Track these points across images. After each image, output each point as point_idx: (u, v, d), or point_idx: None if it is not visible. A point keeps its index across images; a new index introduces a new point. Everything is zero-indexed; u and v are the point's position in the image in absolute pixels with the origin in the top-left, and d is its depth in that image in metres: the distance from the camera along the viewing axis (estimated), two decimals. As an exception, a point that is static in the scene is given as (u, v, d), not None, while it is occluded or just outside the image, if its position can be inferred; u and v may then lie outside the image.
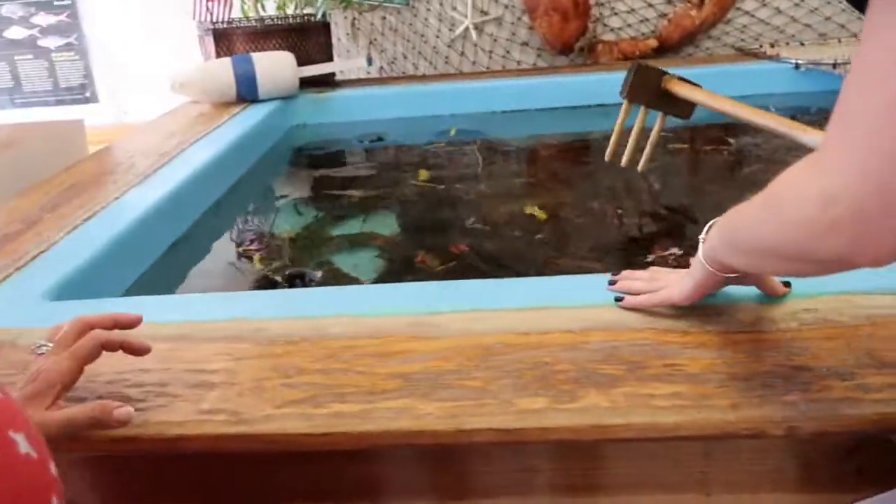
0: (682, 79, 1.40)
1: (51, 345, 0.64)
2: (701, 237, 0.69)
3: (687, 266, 0.74)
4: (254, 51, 2.12)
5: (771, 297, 0.76)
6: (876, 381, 0.63)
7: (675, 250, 1.19)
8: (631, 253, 1.23)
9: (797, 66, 2.05)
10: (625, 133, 1.42)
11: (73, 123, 1.85)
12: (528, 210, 1.43)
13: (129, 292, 1.08)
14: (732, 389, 0.63)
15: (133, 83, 2.78)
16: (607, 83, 2.15)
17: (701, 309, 0.74)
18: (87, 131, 1.92)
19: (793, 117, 1.92)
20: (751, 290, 0.77)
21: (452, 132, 2.00)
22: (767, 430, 0.60)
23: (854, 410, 0.60)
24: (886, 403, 0.60)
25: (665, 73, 1.40)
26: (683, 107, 1.40)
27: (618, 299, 0.78)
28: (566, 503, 0.67)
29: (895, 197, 0.43)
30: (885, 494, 0.64)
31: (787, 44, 2.36)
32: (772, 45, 2.33)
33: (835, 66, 1.93)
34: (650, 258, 1.17)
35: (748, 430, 0.60)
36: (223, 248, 1.34)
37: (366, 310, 0.80)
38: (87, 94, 2.88)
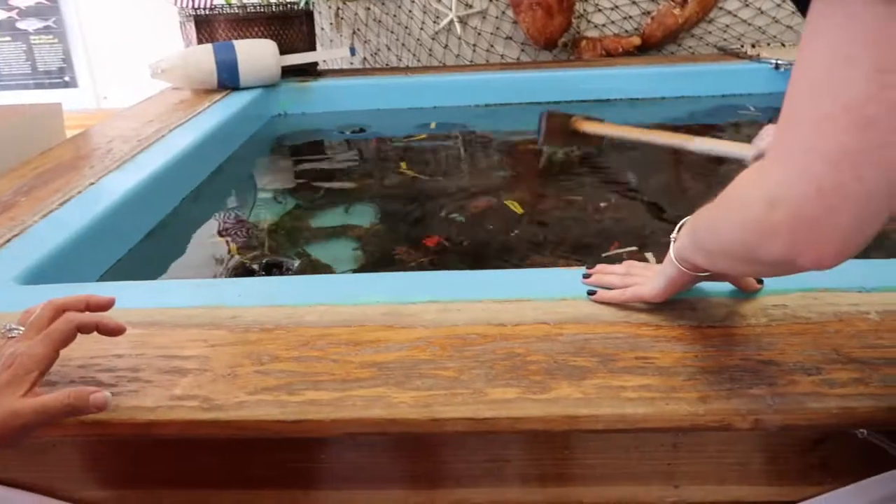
0: (588, 117, 1.67)
1: (22, 328, 0.64)
2: (672, 236, 0.70)
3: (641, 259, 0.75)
4: (236, 38, 2.10)
5: (744, 292, 0.78)
6: (841, 376, 0.64)
7: (632, 248, 1.21)
8: (604, 248, 1.24)
9: (777, 67, 2.08)
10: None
11: (50, 106, 1.83)
12: (507, 203, 1.43)
13: (105, 278, 1.07)
14: (701, 382, 0.64)
15: (113, 68, 2.75)
16: (590, 80, 2.18)
17: (673, 304, 0.75)
18: (65, 116, 1.89)
19: (770, 120, 1.94)
20: (722, 286, 0.78)
21: (432, 126, 2.00)
22: (734, 423, 0.61)
23: (819, 404, 0.61)
24: (851, 398, 0.61)
25: (571, 115, 1.68)
26: (593, 139, 1.68)
27: (590, 293, 0.78)
28: (536, 493, 0.67)
29: (834, 199, 0.43)
30: (849, 487, 0.65)
31: (769, 44, 2.38)
32: (753, 46, 2.35)
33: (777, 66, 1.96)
34: (604, 255, 1.18)
35: (716, 422, 0.61)
36: (201, 236, 1.33)
37: (341, 299, 0.80)
38: (66, 79, 2.84)
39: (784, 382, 0.63)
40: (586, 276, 0.82)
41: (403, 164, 1.71)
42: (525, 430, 0.62)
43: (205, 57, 1.99)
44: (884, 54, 0.40)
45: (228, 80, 2.00)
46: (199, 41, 2.13)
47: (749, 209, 0.48)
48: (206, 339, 0.74)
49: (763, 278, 0.78)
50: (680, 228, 0.69)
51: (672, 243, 0.70)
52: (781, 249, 0.46)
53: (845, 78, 0.42)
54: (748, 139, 1.80)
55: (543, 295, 0.79)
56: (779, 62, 2.07)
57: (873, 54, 0.41)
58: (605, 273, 0.81)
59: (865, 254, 1.09)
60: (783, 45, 2.37)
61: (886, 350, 0.67)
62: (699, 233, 0.62)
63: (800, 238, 0.45)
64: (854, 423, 0.61)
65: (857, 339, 0.69)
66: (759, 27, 2.45)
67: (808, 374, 0.64)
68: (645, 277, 0.77)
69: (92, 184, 1.26)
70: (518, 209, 1.40)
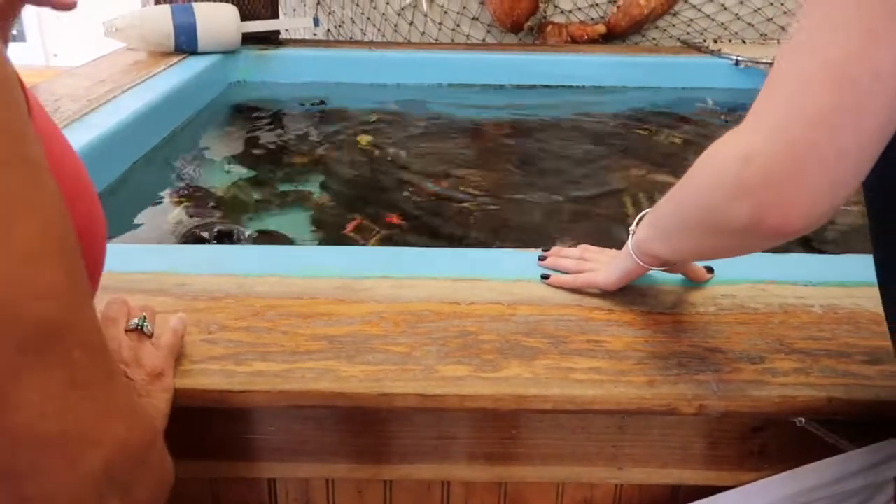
0: None
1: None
2: (631, 228, 0.70)
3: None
4: (195, 0, 2.04)
5: (694, 282, 0.79)
6: (783, 365, 0.65)
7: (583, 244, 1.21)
8: (560, 233, 1.24)
9: (737, 63, 2.11)
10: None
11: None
12: (462, 185, 1.43)
13: (48, 240, 1.03)
14: (650, 367, 0.65)
15: (64, 24, 2.65)
16: (554, 65, 2.18)
17: (626, 290, 0.76)
18: (11, 70, 1.82)
19: (731, 110, 1.98)
20: (674, 275, 0.79)
21: (393, 106, 1.98)
22: (680, 408, 0.62)
23: (761, 392, 0.62)
24: (791, 387, 0.63)
25: None
26: None
27: (544, 276, 0.79)
28: (482, 471, 0.67)
29: (805, 159, 0.43)
30: (785, 474, 0.67)
31: (730, 41, 2.41)
32: (715, 41, 2.38)
33: (772, 65, 1.99)
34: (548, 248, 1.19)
35: (662, 406, 0.62)
36: (150, 203, 1.30)
37: (294, 271, 0.79)
38: (14, 33, 2.73)
39: (729, 370, 0.65)
40: (541, 259, 0.82)
41: (362, 140, 1.69)
42: (474, 409, 0.62)
43: (162, 18, 1.93)
44: (874, 18, 0.41)
45: (186, 43, 1.94)
46: (157, 1, 2.06)
47: (723, 167, 0.48)
48: (152, 305, 0.71)
49: (714, 268, 0.80)
50: (639, 221, 0.69)
51: (630, 236, 0.70)
52: (749, 210, 0.46)
53: (831, 39, 0.42)
54: (705, 131, 1.83)
55: (498, 275, 0.79)
56: (739, 58, 2.10)
57: (864, 16, 0.41)
58: (560, 257, 0.81)
59: (820, 248, 1.12)
60: (744, 41, 2.41)
61: (827, 342, 0.69)
62: (662, 219, 0.62)
63: (768, 198, 0.45)
64: (793, 412, 0.63)
65: (800, 331, 0.71)
66: (722, 23, 2.48)
67: (753, 362, 0.66)
68: (599, 263, 0.78)
69: (37, 142, 1.21)
70: (476, 191, 1.40)
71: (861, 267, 0.81)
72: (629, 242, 0.70)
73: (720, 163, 0.49)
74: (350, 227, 1.20)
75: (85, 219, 0.46)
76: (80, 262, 0.37)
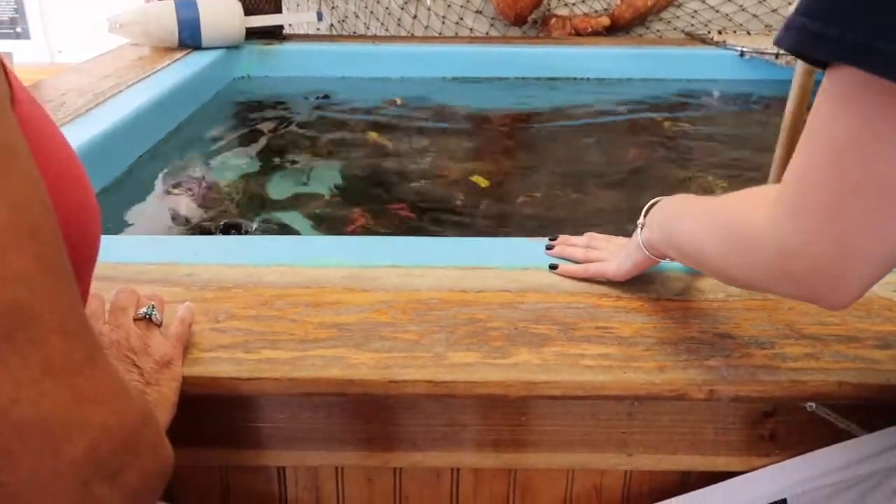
0: None
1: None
2: (640, 221, 0.70)
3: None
4: (199, -5, 2.04)
5: None
6: (793, 350, 0.65)
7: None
8: (565, 222, 1.24)
9: (742, 54, 2.10)
10: None
11: None
12: (472, 178, 1.42)
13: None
14: (659, 353, 0.65)
15: (68, 21, 2.65)
16: (558, 57, 2.17)
17: (635, 277, 0.76)
18: (16, 70, 1.82)
19: (736, 101, 1.97)
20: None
21: (398, 102, 1.97)
22: (690, 393, 0.62)
23: (771, 377, 0.62)
24: (801, 372, 0.63)
25: None
26: None
27: (552, 266, 0.78)
28: (491, 458, 0.67)
29: (857, 260, 0.44)
30: (795, 459, 0.67)
31: (735, 32, 2.40)
32: (719, 32, 2.37)
33: (777, 56, 1.98)
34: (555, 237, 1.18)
35: (672, 391, 0.62)
36: (158, 196, 1.30)
37: (302, 260, 0.79)
38: (18, 30, 2.73)
39: (739, 355, 0.64)
40: (549, 248, 0.82)
41: (372, 134, 1.69)
42: (483, 395, 0.62)
43: (166, 13, 1.93)
44: None
45: (190, 38, 1.95)
46: (161, -3, 2.06)
47: (759, 256, 0.48)
48: (159, 293, 0.71)
49: None
50: (647, 212, 0.69)
51: (639, 229, 0.70)
52: (800, 292, 0.47)
53: (876, 152, 0.41)
54: (710, 122, 1.82)
55: (506, 263, 0.79)
56: (744, 50, 2.10)
57: None
58: (568, 245, 0.81)
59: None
60: (749, 33, 2.40)
61: (837, 327, 0.69)
62: (681, 243, 0.61)
63: (820, 288, 0.46)
64: (804, 397, 0.63)
65: (809, 317, 0.70)
66: (726, 14, 2.47)
67: (762, 347, 0.65)
68: (608, 252, 0.77)
69: (44, 136, 1.21)
70: (483, 182, 1.40)
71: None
72: (639, 236, 0.70)
73: (754, 250, 0.48)
74: (351, 228, 1.20)
75: (75, 206, 0.45)
76: (59, 249, 0.37)
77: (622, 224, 1.21)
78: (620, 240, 0.79)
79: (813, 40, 0.41)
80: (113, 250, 0.82)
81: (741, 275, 0.52)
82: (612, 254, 0.76)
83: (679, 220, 0.62)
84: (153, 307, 0.62)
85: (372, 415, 0.66)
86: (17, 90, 0.40)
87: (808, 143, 0.45)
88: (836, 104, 0.43)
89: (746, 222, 0.50)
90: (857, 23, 0.40)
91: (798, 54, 0.45)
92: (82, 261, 0.47)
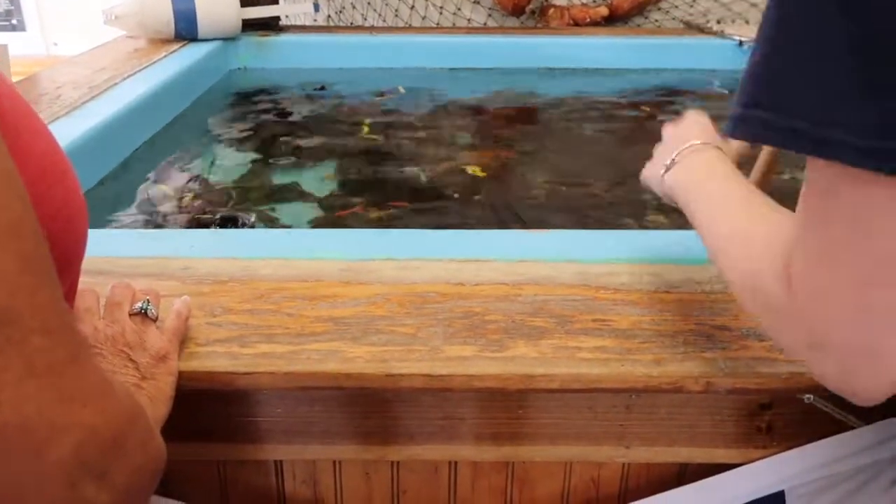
0: None
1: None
2: (668, 161, 0.66)
3: None
4: (195, -13, 2.02)
5: None
6: (791, 342, 0.65)
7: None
8: (565, 215, 1.24)
9: (741, 44, 2.09)
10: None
11: (-4, 49, 1.74)
12: (469, 168, 1.42)
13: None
14: (656, 345, 0.64)
15: (64, 14, 2.64)
16: (557, 47, 2.16)
17: (632, 268, 0.76)
18: (11, 62, 1.81)
19: (733, 92, 1.96)
20: (681, 252, 0.79)
21: (401, 90, 1.97)
22: (687, 385, 0.62)
23: (768, 369, 0.62)
24: (799, 364, 0.62)
25: None
26: None
27: None
28: (489, 451, 0.67)
29: (883, 351, 0.41)
30: (793, 451, 0.67)
31: (733, 21, 2.39)
32: (718, 22, 2.36)
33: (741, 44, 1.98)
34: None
35: (669, 384, 0.62)
36: (153, 189, 1.29)
37: (298, 253, 0.79)
38: (14, 22, 2.71)
39: (736, 347, 0.64)
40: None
41: (366, 126, 1.68)
42: (481, 388, 0.62)
43: (162, 5, 1.91)
44: None
45: (186, 30, 1.93)
46: (156, -12, 2.04)
47: (782, 335, 0.46)
48: (156, 289, 0.71)
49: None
50: (672, 164, 0.65)
51: (665, 173, 0.65)
52: (827, 378, 0.44)
53: (884, 243, 0.38)
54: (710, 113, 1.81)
55: (503, 255, 0.79)
56: (742, 39, 2.09)
57: None
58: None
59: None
60: (747, 22, 2.39)
61: (835, 319, 0.68)
62: (708, 234, 0.57)
63: (847, 379, 0.43)
64: (801, 389, 0.63)
65: (807, 308, 0.70)
66: (725, 3, 2.46)
67: (760, 339, 0.65)
68: (656, 153, 0.72)
69: (39, 129, 1.21)
70: (480, 173, 1.39)
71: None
72: (667, 179, 0.66)
73: (775, 324, 0.46)
74: (347, 219, 1.19)
75: (59, 200, 0.45)
76: (40, 247, 0.36)
77: (621, 216, 1.21)
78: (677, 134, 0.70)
79: (768, 131, 0.39)
80: (108, 244, 0.82)
81: (769, 331, 0.49)
82: (654, 158, 0.72)
83: (699, 204, 0.58)
84: (148, 302, 0.61)
85: (369, 408, 0.66)
86: None
87: (830, 218, 0.40)
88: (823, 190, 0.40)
89: (771, 290, 0.45)
90: (803, 112, 0.37)
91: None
92: (68, 256, 0.47)
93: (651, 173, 0.71)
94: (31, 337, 0.34)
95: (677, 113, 1.83)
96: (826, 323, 0.41)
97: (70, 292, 0.52)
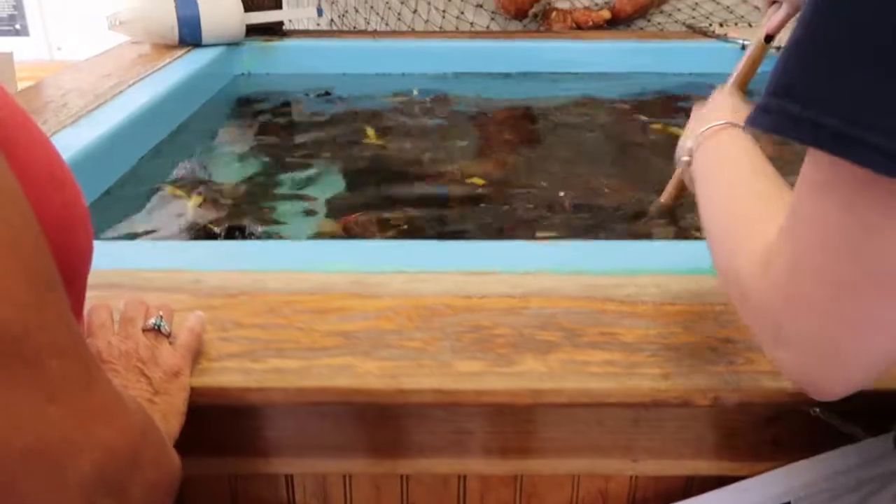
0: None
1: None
2: (689, 147, 0.67)
3: None
4: (198, -8, 2.03)
5: None
6: (797, 356, 0.65)
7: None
8: (571, 224, 1.24)
9: (744, 47, 2.09)
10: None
11: (1, 56, 1.75)
12: (474, 176, 1.43)
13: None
14: (663, 359, 0.65)
15: (68, 18, 2.65)
16: (560, 51, 2.17)
17: (638, 280, 0.76)
18: (16, 67, 1.82)
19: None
20: (686, 263, 0.79)
21: (415, 92, 1.97)
22: (695, 400, 0.62)
23: (775, 383, 0.63)
24: (806, 378, 0.63)
25: None
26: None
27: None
28: (498, 465, 0.68)
29: (852, 359, 0.41)
30: (800, 462, 0.68)
31: (736, 24, 2.40)
32: (721, 25, 2.36)
33: (779, 49, 1.97)
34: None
35: (677, 399, 0.62)
36: (160, 197, 1.30)
37: (307, 265, 0.79)
38: (17, 27, 2.72)
39: (742, 361, 0.65)
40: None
41: (370, 132, 1.69)
42: (490, 403, 0.62)
43: (166, 10, 1.92)
44: None
45: (190, 35, 1.94)
46: (160, -7, 2.05)
47: (755, 320, 0.47)
48: (167, 303, 0.72)
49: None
50: (692, 148, 0.66)
51: (685, 156, 0.67)
52: (790, 373, 0.45)
53: (873, 248, 0.38)
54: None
55: (509, 267, 0.80)
56: (745, 42, 2.09)
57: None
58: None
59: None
60: (750, 25, 2.39)
61: (841, 332, 0.69)
62: (709, 225, 0.58)
63: (808, 379, 0.44)
64: (808, 402, 0.63)
65: (813, 321, 0.71)
66: (727, 6, 2.46)
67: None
68: (691, 124, 0.73)
69: (46, 139, 1.21)
70: (481, 181, 1.40)
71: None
72: (688, 170, 0.68)
73: (751, 309, 0.46)
74: (345, 221, 1.19)
75: (61, 208, 0.44)
76: (45, 263, 0.36)
77: (626, 224, 1.21)
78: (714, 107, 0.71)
79: (791, 123, 0.38)
80: (118, 256, 0.83)
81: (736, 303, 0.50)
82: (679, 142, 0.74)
83: (715, 208, 0.58)
84: (161, 318, 0.62)
85: (379, 422, 0.66)
86: None
87: (799, 223, 0.41)
88: (814, 189, 0.40)
89: (746, 281, 0.46)
90: (835, 109, 0.36)
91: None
92: (72, 268, 0.46)
93: (677, 156, 0.72)
94: (45, 359, 0.34)
95: (679, 116, 1.84)
96: (796, 320, 0.42)
97: (76, 305, 0.52)
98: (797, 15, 0.67)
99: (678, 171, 0.70)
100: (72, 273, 0.47)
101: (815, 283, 0.40)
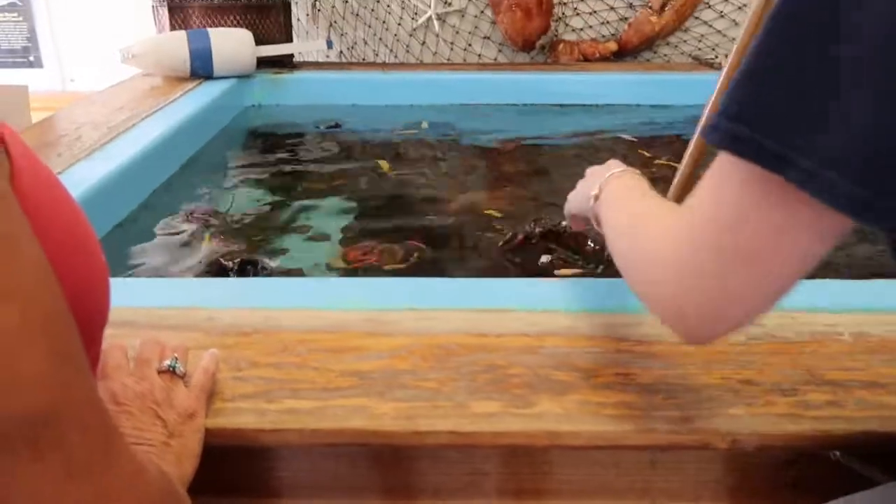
0: None
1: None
2: (595, 190, 0.72)
3: None
4: (209, 26, 2.06)
5: None
6: (816, 397, 0.65)
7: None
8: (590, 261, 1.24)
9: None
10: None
11: (16, 88, 1.77)
12: (485, 209, 1.43)
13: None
14: (681, 401, 0.64)
15: (81, 50, 2.68)
16: (567, 83, 2.19)
17: (654, 319, 0.76)
18: (30, 98, 1.84)
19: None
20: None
21: (424, 125, 1.99)
22: (713, 443, 0.62)
23: (795, 426, 0.62)
24: (824, 420, 0.62)
25: None
26: None
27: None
28: (513, 506, 0.67)
29: (726, 318, 0.48)
30: (818, 507, 0.67)
31: (741, 56, 2.41)
32: (726, 56, 2.38)
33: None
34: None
35: (695, 442, 0.61)
36: (172, 231, 1.30)
37: (321, 303, 0.79)
38: (31, 59, 2.76)
39: (761, 403, 0.64)
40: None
41: (382, 164, 1.70)
42: (506, 445, 0.62)
43: (178, 44, 1.95)
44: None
45: (202, 68, 1.97)
46: (172, 27, 2.08)
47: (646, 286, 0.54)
48: (182, 341, 0.72)
49: None
50: (601, 188, 0.71)
51: (594, 200, 0.72)
52: (666, 322, 0.52)
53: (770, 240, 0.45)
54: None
55: (524, 305, 0.79)
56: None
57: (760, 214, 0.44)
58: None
59: (839, 274, 1.10)
60: (756, 57, 2.41)
61: (860, 373, 0.69)
62: (617, 244, 0.62)
63: (681, 325, 0.51)
64: (828, 445, 0.63)
65: (831, 361, 0.70)
66: (733, 38, 2.47)
67: (785, 394, 0.65)
68: (585, 183, 0.79)
69: (60, 173, 1.23)
70: (496, 214, 1.40)
71: (891, 292, 0.81)
72: (594, 208, 0.72)
73: (657, 285, 0.52)
74: (364, 262, 1.19)
75: (82, 269, 0.44)
76: (72, 337, 0.36)
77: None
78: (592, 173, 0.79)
79: (738, 142, 0.43)
80: (132, 294, 0.83)
81: (635, 287, 0.56)
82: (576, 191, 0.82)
83: (616, 226, 0.64)
84: (176, 359, 0.62)
85: (394, 464, 0.66)
86: (16, 159, 0.39)
87: (702, 203, 0.47)
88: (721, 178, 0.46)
89: (653, 232, 0.53)
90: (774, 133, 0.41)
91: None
92: (92, 325, 0.46)
93: (577, 202, 0.81)
94: (69, 434, 0.34)
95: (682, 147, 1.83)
96: (689, 291, 0.48)
97: (95, 356, 0.52)
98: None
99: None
100: (92, 328, 0.47)
101: (715, 264, 0.47)
